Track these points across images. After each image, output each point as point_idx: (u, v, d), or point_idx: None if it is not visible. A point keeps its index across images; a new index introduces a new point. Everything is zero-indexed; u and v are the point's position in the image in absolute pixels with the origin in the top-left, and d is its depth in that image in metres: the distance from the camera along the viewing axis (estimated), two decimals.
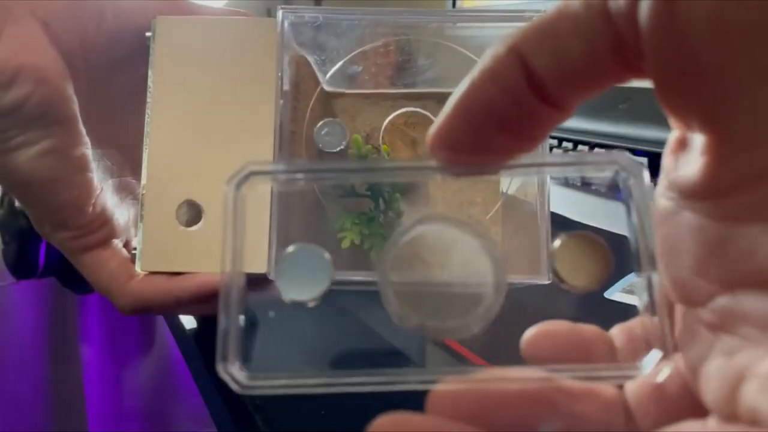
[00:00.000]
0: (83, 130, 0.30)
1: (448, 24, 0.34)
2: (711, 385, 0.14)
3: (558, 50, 0.15)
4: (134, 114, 0.33)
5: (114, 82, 0.33)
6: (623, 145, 0.62)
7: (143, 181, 0.32)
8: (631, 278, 0.43)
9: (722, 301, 0.15)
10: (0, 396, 0.87)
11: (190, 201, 0.32)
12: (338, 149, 0.29)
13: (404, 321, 0.17)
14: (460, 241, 0.17)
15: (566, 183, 0.62)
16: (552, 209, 0.60)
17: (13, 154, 0.28)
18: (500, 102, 0.15)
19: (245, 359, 0.16)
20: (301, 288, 0.16)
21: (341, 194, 0.32)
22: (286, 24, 0.32)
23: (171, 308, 0.30)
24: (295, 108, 0.34)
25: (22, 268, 0.99)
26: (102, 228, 0.32)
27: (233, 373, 0.16)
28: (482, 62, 0.16)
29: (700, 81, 0.14)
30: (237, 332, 0.16)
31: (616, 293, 0.41)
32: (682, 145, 0.16)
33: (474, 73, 0.16)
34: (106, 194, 0.32)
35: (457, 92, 0.16)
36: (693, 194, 0.15)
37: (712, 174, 0.14)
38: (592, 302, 0.40)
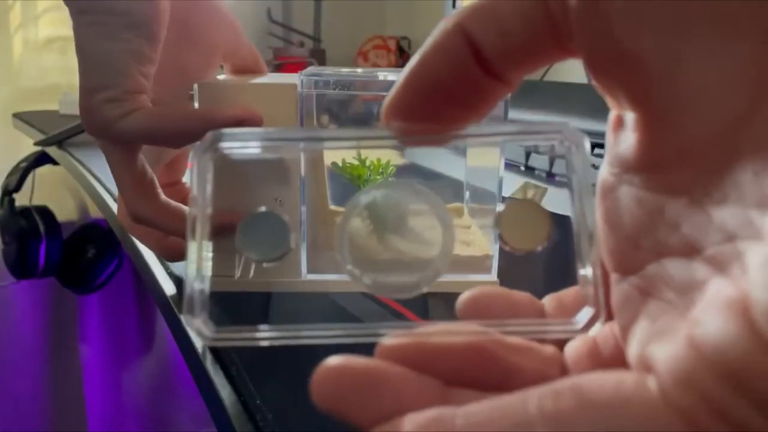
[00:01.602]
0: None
1: None
2: (631, 345, 0.15)
3: (500, 29, 0.16)
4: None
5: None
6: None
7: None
8: None
9: (651, 268, 0.16)
10: (0, 396, 0.87)
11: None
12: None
13: (358, 278, 0.18)
14: (414, 207, 0.18)
15: (562, 184, 0.62)
16: (553, 209, 0.60)
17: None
18: (448, 74, 0.16)
19: (211, 314, 0.17)
20: (263, 250, 0.18)
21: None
22: (305, 87, 0.37)
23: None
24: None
25: (22, 268, 0.99)
26: (139, 96, 0.34)
27: (199, 326, 0.17)
28: (432, 37, 0.17)
29: (623, 64, 0.15)
30: (202, 290, 0.17)
31: None
32: (620, 122, 0.17)
33: (424, 48, 0.17)
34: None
35: (409, 65, 0.17)
36: (629, 168, 0.16)
37: (644, 149, 0.15)
38: None
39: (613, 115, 0.17)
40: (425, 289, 0.18)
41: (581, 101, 0.77)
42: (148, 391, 0.91)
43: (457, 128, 0.17)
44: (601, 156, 0.61)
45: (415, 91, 0.17)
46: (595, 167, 0.63)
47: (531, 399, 0.14)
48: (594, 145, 0.65)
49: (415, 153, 0.46)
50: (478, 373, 0.16)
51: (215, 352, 0.33)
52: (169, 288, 0.41)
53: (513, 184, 0.67)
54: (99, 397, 0.96)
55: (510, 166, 0.69)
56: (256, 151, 0.18)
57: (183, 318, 0.17)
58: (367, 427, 0.15)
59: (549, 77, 1.16)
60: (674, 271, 0.15)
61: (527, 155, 0.68)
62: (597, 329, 0.17)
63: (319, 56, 1.60)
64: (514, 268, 0.43)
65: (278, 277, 0.39)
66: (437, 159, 0.44)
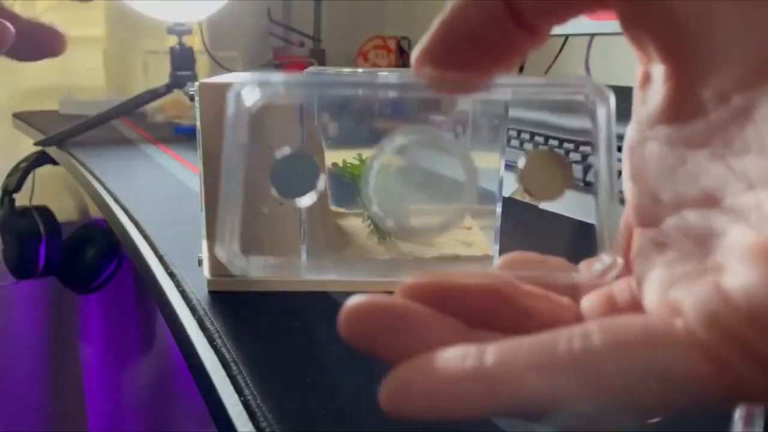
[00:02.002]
0: None
1: None
2: (648, 292, 0.16)
3: None
4: None
5: None
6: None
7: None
8: None
9: (671, 221, 0.16)
10: (0, 396, 0.87)
11: None
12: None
13: (382, 222, 0.19)
14: (439, 156, 0.18)
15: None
16: (553, 210, 0.60)
17: None
18: (480, 24, 0.17)
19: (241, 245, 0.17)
20: (293, 189, 0.18)
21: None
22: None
23: None
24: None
25: (22, 268, 0.99)
26: None
27: (233, 255, 0.17)
28: None
29: (656, 14, 0.15)
30: (236, 218, 0.17)
31: None
32: (647, 79, 0.17)
33: None
34: None
35: (442, 15, 0.17)
36: (655, 122, 0.16)
37: (670, 101, 0.16)
38: None
39: (641, 72, 0.18)
40: (445, 233, 0.18)
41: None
42: (148, 391, 0.91)
43: (486, 78, 0.18)
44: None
45: (447, 38, 0.17)
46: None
47: (561, 337, 0.14)
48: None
49: (416, 153, 0.46)
50: (496, 315, 0.16)
51: (215, 352, 0.33)
52: (169, 288, 0.41)
53: (513, 184, 0.67)
54: (99, 397, 0.96)
55: (510, 167, 0.69)
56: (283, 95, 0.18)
57: (216, 249, 0.17)
58: (397, 362, 0.15)
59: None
60: (693, 221, 0.15)
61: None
62: (613, 276, 0.17)
63: (319, 56, 1.60)
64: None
65: (278, 276, 0.39)
66: (438, 160, 0.44)
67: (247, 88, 0.18)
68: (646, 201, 0.17)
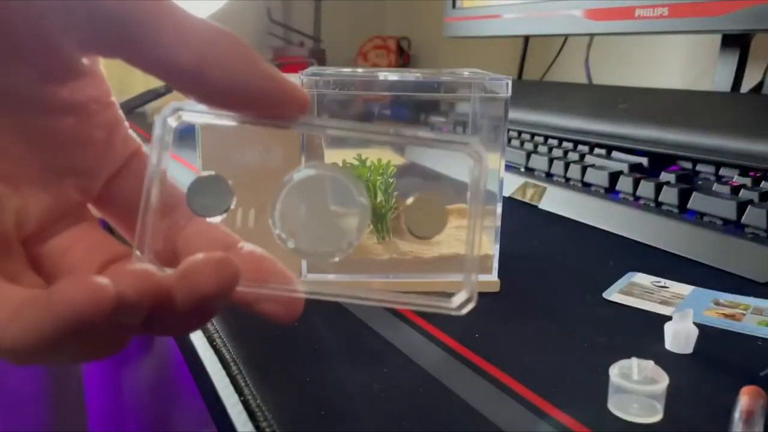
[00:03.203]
0: None
1: None
2: None
3: None
4: None
5: None
6: (623, 144, 0.62)
7: None
8: (629, 278, 0.43)
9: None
10: (0, 396, 0.87)
11: None
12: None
13: (285, 243, 0.21)
14: (337, 186, 0.21)
15: (566, 184, 0.62)
16: (552, 210, 0.60)
17: None
18: None
19: None
20: (209, 207, 0.20)
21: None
22: (305, 87, 0.38)
23: None
24: None
25: None
26: None
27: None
28: None
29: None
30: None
31: (614, 294, 0.41)
32: None
33: None
34: None
35: None
36: None
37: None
38: (591, 303, 0.40)
39: None
40: (337, 259, 0.21)
41: (581, 101, 0.77)
42: (148, 391, 0.91)
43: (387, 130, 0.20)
44: (601, 156, 0.61)
45: None
46: (603, 168, 0.62)
47: None
48: (594, 146, 0.65)
49: (416, 153, 0.46)
50: None
51: (215, 352, 0.33)
52: None
53: (513, 184, 0.67)
54: (99, 397, 0.96)
55: (510, 167, 0.69)
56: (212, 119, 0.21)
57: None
58: None
59: (549, 77, 1.16)
60: None
61: (527, 157, 0.68)
62: (467, 311, 0.20)
63: (319, 56, 1.60)
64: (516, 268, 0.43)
65: None
66: (438, 160, 0.45)
67: (172, 116, 0.20)
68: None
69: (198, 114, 0.20)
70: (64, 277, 0.20)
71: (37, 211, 0.21)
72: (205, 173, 0.20)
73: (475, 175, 0.20)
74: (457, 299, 0.21)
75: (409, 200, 0.21)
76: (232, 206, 0.21)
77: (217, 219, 0.21)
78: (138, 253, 0.20)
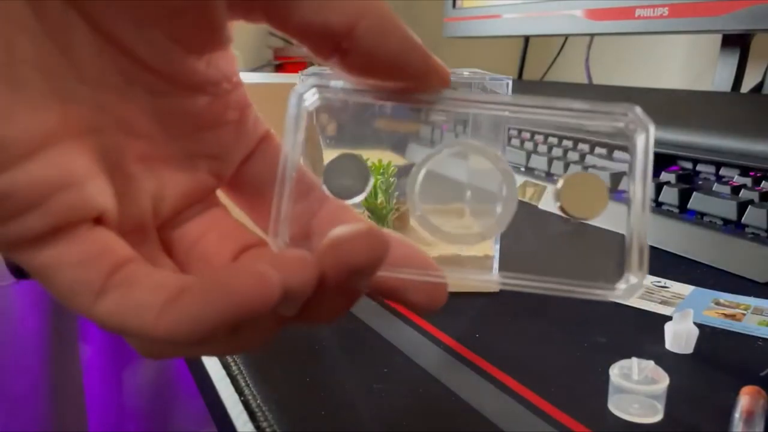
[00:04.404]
0: None
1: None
2: None
3: None
4: None
5: None
6: (623, 144, 0.62)
7: None
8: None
9: None
10: (0, 396, 0.87)
11: None
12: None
13: (426, 224, 0.20)
14: (477, 165, 0.19)
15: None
16: (552, 210, 0.60)
17: None
18: None
19: None
20: (346, 188, 0.20)
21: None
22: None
23: None
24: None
25: (22, 268, 0.99)
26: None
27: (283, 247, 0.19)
28: None
29: None
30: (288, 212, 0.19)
31: None
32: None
33: None
34: None
35: None
36: None
37: None
38: (591, 303, 0.40)
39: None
40: (486, 239, 0.20)
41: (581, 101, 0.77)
42: (148, 391, 0.91)
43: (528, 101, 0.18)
44: (602, 156, 0.61)
45: None
46: (596, 167, 0.62)
47: None
48: (595, 144, 0.65)
49: (417, 153, 0.46)
50: None
51: None
52: None
53: (550, 202, 0.67)
54: (99, 397, 0.96)
55: (510, 167, 0.69)
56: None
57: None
58: None
59: (549, 77, 1.16)
60: None
61: (527, 156, 0.68)
62: (637, 296, 0.18)
63: None
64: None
65: None
66: (439, 160, 0.44)
67: (308, 92, 0.19)
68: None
69: (334, 91, 0.19)
70: (198, 264, 0.20)
71: (172, 195, 0.20)
72: (343, 153, 0.20)
73: (641, 145, 0.18)
74: (623, 284, 0.18)
75: (564, 178, 0.19)
76: (369, 187, 0.20)
77: (354, 200, 0.20)
78: (274, 239, 0.19)
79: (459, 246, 0.20)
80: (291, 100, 0.19)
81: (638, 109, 0.18)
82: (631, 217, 0.18)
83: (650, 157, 0.18)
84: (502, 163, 0.19)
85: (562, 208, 0.19)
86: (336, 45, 0.18)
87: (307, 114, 0.19)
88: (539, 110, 0.19)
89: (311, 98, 0.19)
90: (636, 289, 0.18)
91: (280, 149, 0.19)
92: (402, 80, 0.19)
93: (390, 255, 0.18)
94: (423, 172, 0.20)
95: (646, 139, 0.18)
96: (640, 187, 0.18)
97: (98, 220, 0.17)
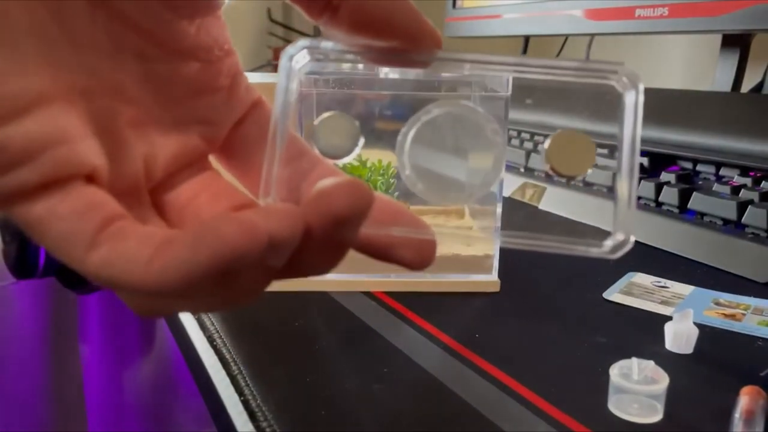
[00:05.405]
0: None
1: None
2: None
3: None
4: None
5: None
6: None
7: None
8: (629, 278, 0.43)
9: None
10: (0, 396, 0.87)
11: None
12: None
13: (414, 186, 0.20)
14: (467, 124, 0.20)
15: (566, 184, 0.62)
16: (552, 210, 0.60)
17: None
18: None
19: None
20: (336, 148, 0.20)
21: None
22: (304, 86, 0.37)
23: None
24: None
25: (22, 268, 0.99)
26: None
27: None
28: None
29: None
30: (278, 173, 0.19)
31: (614, 294, 0.41)
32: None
33: None
34: None
35: None
36: None
37: None
38: (591, 303, 0.40)
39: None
40: (472, 200, 0.20)
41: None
42: (148, 391, 0.91)
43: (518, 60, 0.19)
44: (602, 156, 0.61)
45: None
46: (597, 166, 0.62)
47: None
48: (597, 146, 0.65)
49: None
50: None
51: (215, 351, 0.33)
52: None
53: (513, 184, 0.67)
54: (99, 397, 0.96)
55: (510, 167, 0.69)
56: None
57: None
58: None
59: None
60: None
61: (527, 156, 0.68)
62: (623, 253, 0.18)
63: None
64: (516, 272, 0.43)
65: None
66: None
67: (299, 53, 0.19)
68: None
69: (325, 52, 0.19)
70: (190, 225, 0.20)
71: (163, 158, 0.21)
72: (333, 113, 0.20)
73: (631, 102, 0.18)
74: (610, 242, 0.19)
75: (551, 137, 0.19)
76: (359, 147, 0.20)
77: (345, 160, 0.20)
78: (264, 199, 0.19)
79: (448, 203, 0.21)
80: (282, 62, 0.19)
81: (628, 67, 0.18)
82: (620, 178, 0.18)
83: (639, 115, 0.18)
84: (491, 123, 0.20)
85: (550, 167, 0.19)
86: (327, 1, 0.19)
87: (296, 75, 0.19)
88: (530, 69, 0.19)
89: (302, 60, 0.19)
90: (623, 246, 0.18)
91: (271, 115, 0.20)
92: (393, 39, 0.19)
93: (378, 214, 0.18)
94: (413, 132, 0.20)
95: (636, 96, 0.18)
96: (628, 147, 0.18)
97: (90, 179, 0.18)
